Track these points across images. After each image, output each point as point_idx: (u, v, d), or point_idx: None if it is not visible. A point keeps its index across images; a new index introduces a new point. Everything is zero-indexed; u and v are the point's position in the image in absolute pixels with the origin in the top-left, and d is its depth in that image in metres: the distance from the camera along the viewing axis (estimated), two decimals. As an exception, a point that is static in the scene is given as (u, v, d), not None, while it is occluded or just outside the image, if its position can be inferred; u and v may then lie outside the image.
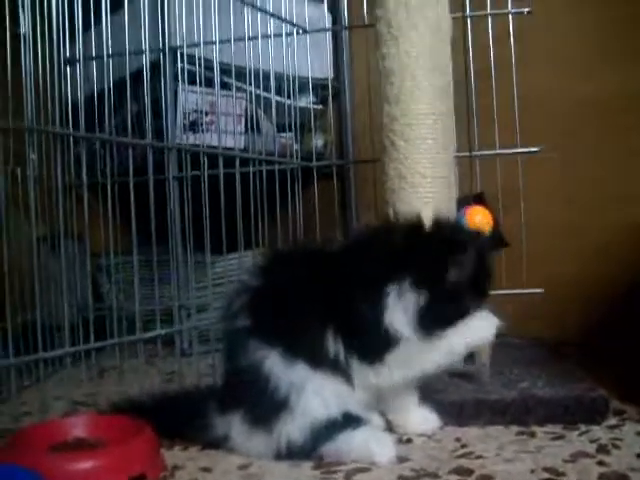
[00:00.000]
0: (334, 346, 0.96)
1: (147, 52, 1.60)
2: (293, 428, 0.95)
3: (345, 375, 0.97)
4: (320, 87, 1.92)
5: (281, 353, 0.95)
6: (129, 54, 1.65)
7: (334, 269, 0.99)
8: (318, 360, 0.95)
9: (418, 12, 1.28)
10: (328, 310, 0.96)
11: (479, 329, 1.01)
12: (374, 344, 0.95)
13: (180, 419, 1.07)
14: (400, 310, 0.94)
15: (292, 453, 0.96)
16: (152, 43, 1.64)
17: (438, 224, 1.00)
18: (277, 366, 0.95)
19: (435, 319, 0.95)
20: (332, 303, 0.96)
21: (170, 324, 1.64)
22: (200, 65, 1.67)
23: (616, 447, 0.97)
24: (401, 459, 0.96)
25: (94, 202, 1.70)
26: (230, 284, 1.69)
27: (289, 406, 0.94)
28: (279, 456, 0.96)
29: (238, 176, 1.56)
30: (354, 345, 0.96)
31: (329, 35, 1.92)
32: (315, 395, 0.95)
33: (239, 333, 1.00)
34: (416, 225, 1.00)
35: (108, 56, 1.66)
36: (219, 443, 1.01)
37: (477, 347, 1.12)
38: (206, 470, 0.96)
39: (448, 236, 0.99)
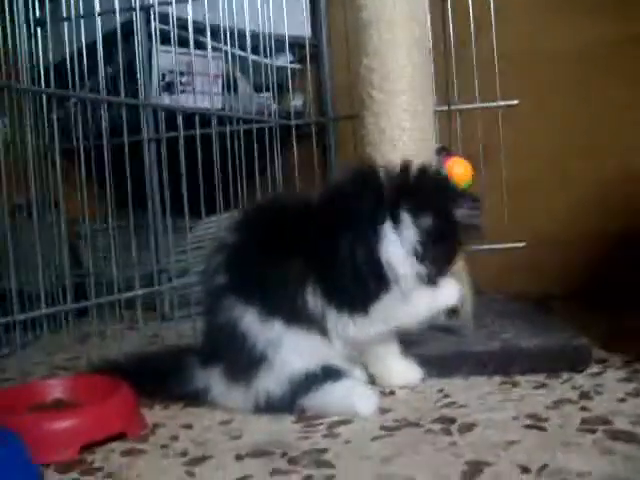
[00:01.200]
0: (313, 300, 0.94)
1: (118, 12, 1.56)
2: (271, 382, 0.94)
3: (323, 329, 0.96)
4: (298, 46, 1.88)
5: (258, 310, 0.94)
6: (101, 15, 1.62)
7: (315, 217, 0.97)
8: (295, 315, 0.94)
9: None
10: (308, 262, 0.95)
11: (444, 295, 1.00)
12: (361, 292, 0.94)
13: (160, 375, 1.05)
14: (398, 244, 0.93)
15: (271, 406, 0.95)
16: (123, 3, 1.60)
17: (424, 168, 1.00)
18: (253, 323, 0.94)
19: (437, 256, 0.95)
20: (313, 254, 0.94)
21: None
22: (173, 24, 1.63)
23: (598, 393, 0.97)
24: (383, 410, 0.95)
25: (70, 167, 1.67)
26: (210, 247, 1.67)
27: (267, 362, 0.94)
28: (258, 409, 0.96)
29: (215, 136, 1.53)
30: (337, 297, 0.94)
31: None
32: (292, 350, 0.94)
33: (217, 291, 0.98)
34: (404, 165, 0.99)
35: (78, 17, 1.63)
36: (200, 396, 1.00)
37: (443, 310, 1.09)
38: (187, 427, 0.95)
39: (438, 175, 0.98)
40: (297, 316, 0.94)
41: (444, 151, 1.23)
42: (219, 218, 1.60)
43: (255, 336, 0.94)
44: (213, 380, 0.99)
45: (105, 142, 1.38)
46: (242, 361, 0.95)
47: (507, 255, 1.57)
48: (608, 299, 1.56)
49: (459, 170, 1.19)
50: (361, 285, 0.93)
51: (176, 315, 1.66)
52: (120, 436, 0.91)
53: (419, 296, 0.97)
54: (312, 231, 0.95)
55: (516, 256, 1.59)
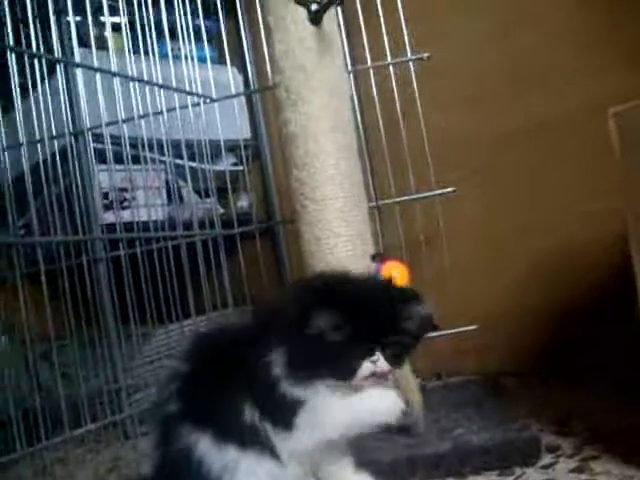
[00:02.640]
0: (256, 421, 0.95)
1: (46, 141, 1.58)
2: None
3: (274, 452, 0.96)
4: (239, 148, 1.93)
5: (211, 436, 0.94)
6: (40, 141, 1.65)
7: (246, 345, 0.99)
8: (247, 439, 0.94)
9: (314, 75, 1.29)
10: (245, 386, 0.96)
11: (379, 408, 0.98)
12: (283, 410, 0.94)
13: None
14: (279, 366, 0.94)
15: None
16: (59, 129, 1.63)
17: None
18: (209, 449, 0.93)
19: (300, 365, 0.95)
20: (247, 379, 0.96)
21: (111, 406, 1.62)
22: (111, 143, 1.66)
23: (543, 488, 0.99)
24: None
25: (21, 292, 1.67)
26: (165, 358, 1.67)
27: None
28: None
29: (157, 254, 1.56)
30: (270, 417, 0.95)
31: (241, 99, 1.94)
32: (248, 475, 0.93)
33: (170, 418, 0.98)
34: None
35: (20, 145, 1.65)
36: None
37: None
38: None
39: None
40: (250, 440, 0.94)
41: (379, 257, 1.25)
42: (167, 329, 1.61)
43: (211, 462, 0.93)
44: None
45: (42, 272, 1.38)
46: None
47: (459, 338, 1.60)
48: (559, 376, 1.58)
49: (395, 273, 1.21)
50: (280, 404, 0.94)
51: (138, 433, 1.64)
52: None
53: (337, 407, 0.97)
54: (243, 358, 0.97)
55: (469, 338, 1.61)
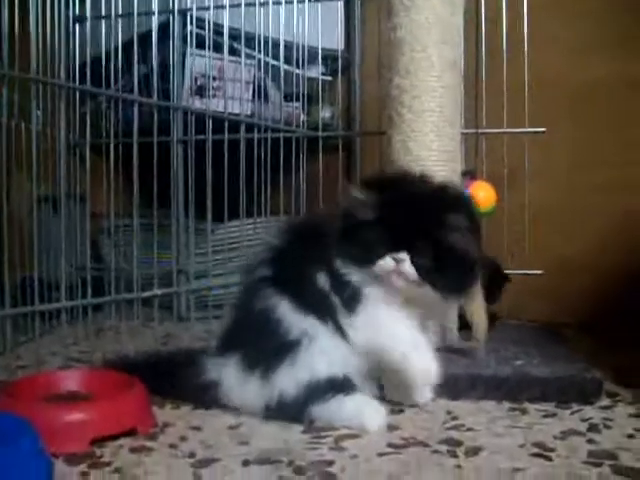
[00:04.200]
0: (328, 290, 0.97)
1: (156, 13, 1.59)
2: (289, 381, 0.95)
3: (345, 335, 0.96)
4: (330, 58, 1.90)
5: (291, 301, 0.96)
6: (138, 15, 1.65)
7: (325, 228, 1.00)
8: (323, 310, 0.96)
9: (432, -17, 1.26)
10: (322, 260, 0.98)
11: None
12: (344, 289, 0.96)
13: (173, 369, 1.07)
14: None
15: (282, 407, 0.95)
16: (161, 5, 1.63)
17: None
18: (291, 313, 0.96)
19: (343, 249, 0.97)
20: (323, 255, 0.97)
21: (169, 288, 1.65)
22: (209, 29, 1.65)
23: (607, 427, 0.97)
24: (391, 427, 0.96)
25: (98, 163, 1.70)
26: (230, 251, 1.69)
27: (296, 353, 0.94)
28: (268, 409, 0.96)
29: (243, 142, 1.55)
30: (341, 298, 0.96)
31: (341, 5, 1.89)
32: (321, 351, 0.95)
33: (258, 282, 1.00)
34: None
35: (117, 16, 1.65)
36: (211, 390, 1.00)
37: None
38: (196, 429, 0.96)
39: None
40: (324, 310, 0.96)
41: (468, 174, 1.23)
42: (241, 223, 1.62)
43: (291, 324, 0.95)
44: (227, 372, 0.99)
45: (135, 140, 1.39)
46: (269, 348, 0.96)
47: (525, 281, 1.58)
48: (625, 332, 1.55)
49: (482, 194, 1.19)
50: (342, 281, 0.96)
51: (192, 316, 1.67)
52: (130, 432, 0.92)
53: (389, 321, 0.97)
54: (324, 237, 0.98)
55: (534, 283, 1.59)
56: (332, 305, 0.97)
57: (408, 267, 0.93)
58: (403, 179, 1.01)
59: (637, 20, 1.70)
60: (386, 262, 0.94)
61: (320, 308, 0.96)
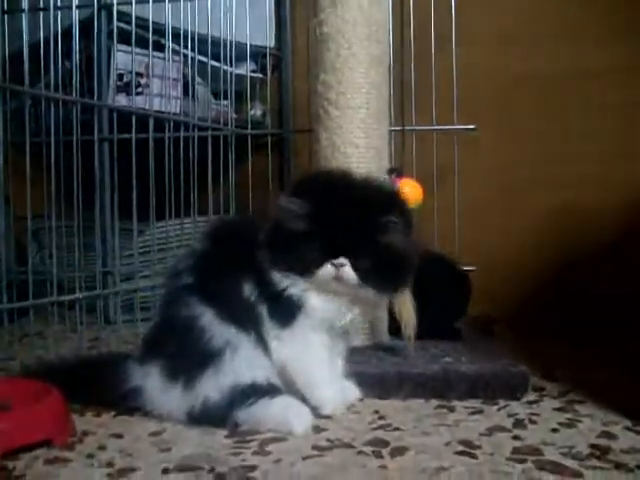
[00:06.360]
0: (253, 300, 0.96)
1: (74, 6, 1.54)
2: (213, 387, 0.93)
3: (266, 347, 0.96)
4: (261, 55, 1.87)
5: (217, 312, 0.95)
6: (62, 9, 1.60)
7: (251, 234, 0.98)
8: (249, 328, 0.95)
9: (357, -21, 1.25)
10: (248, 268, 0.97)
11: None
12: (272, 295, 0.96)
13: (95, 375, 1.04)
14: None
15: (206, 413, 0.93)
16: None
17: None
18: (214, 322, 0.94)
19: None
20: (250, 263, 0.96)
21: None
22: (134, 24, 1.60)
23: (532, 422, 0.98)
24: (317, 429, 0.94)
25: (21, 162, 1.63)
26: (157, 252, 1.65)
27: (219, 361, 0.93)
28: (191, 416, 0.94)
29: (168, 141, 1.51)
30: (271, 309, 0.96)
31: (271, 1, 1.87)
32: (246, 359, 0.94)
33: (181, 289, 0.98)
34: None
35: (37, 9, 1.60)
36: (133, 397, 0.98)
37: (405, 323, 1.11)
38: (117, 436, 0.93)
39: None
40: (247, 320, 0.95)
41: (395, 172, 1.23)
42: (168, 224, 1.58)
43: (214, 333, 0.94)
44: (150, 378, 0.97)
45: (52, 140, 1.34)
46: (192, 355, 0.94)
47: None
48: (552, 326, 1.57)
49: (409, 191, 1.19)
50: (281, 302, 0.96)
51: (119, 319, 1.63)
52: (46, 443, 0.89)
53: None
54: (251, 243, 0.97)
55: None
56: (257, 316, 0.96)
57: (349, 271, 0.93)
58: (334, 181, 0.99)
59: (561, 15, 1.72)
60: (326, 270, 0.94)
61: (244, 319, 0.95)
